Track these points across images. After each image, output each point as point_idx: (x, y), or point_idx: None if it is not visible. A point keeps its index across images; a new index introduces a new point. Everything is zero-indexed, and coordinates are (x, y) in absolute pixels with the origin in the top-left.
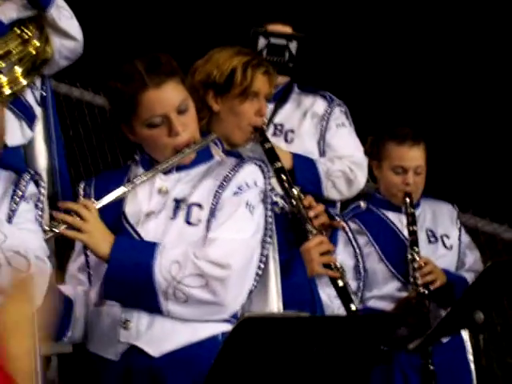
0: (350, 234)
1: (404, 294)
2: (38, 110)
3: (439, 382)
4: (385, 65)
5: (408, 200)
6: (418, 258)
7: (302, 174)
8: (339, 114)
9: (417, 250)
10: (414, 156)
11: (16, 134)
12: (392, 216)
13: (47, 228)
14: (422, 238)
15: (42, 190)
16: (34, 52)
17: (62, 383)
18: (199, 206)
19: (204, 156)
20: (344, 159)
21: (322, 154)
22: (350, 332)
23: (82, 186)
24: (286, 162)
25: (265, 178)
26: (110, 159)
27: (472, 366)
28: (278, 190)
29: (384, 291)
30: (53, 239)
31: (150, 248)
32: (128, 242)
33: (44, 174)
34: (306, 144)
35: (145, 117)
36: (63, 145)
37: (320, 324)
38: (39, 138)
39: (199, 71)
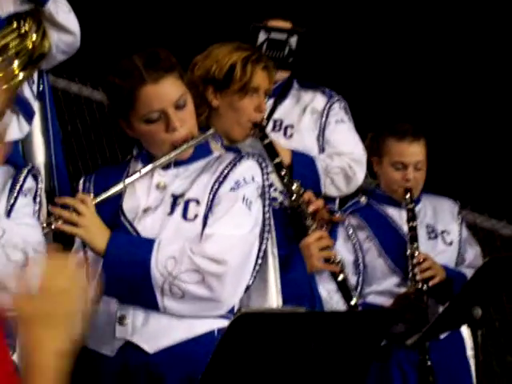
0: (349, 229)
1: (403, 290)
2: (35, 105)
3: (438, 378)
4: (385, 60)
5: (408, 196)
6: (417, 254)
7: (301, 171)
8: (338, 110)
9: (416, 245)
10: (413, 152)
11: (13, 128)
12: (392, 212)
13: (44, 223)
14: (421, 233)
15: (40, 185)
16: (31, 46)
17: None
18: (196, 201)
19: (202, 151)
20: (343, 156)
21: (322, 149)
22: (347, 328)
23: (81, 180)
24: (285, 159)
25: (263, 173)
26: (109, 154)
27: (471, 362)
28: (278, 185)
29: (383, 286)
30: (51, 234)
31: (147, 243)
32: (124, 238)
33: (42, 169)
34: (305, 140)
35: (143, 112)
36: (61, 139)
37: (317, 319)
38: (37, 132)
39: (199, 67)
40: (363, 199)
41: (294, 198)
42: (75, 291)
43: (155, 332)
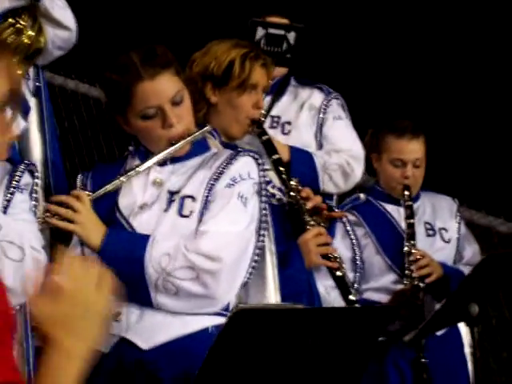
0: (347, 226)
1: (400, 287)
2: (31, 101)
3: (435, 375)
4: (384, 56)
5: (407, 193)
6: (414, 251)
7: (299, 168)
8: (336, 107)
9: (413, 243)
10: (413, 149)
11: None
12: (391, 208)
13: (40, 219)
14: (420, 230)
15: (37, 181)
16: (27, 42)
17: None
18: (192, 197)
19: (200, 148)
20: (341, 152)
21: (319, 146)
22: (345, 324)
23: (79, 178)
24: (283, 155)
25: (259, 169)
26: (106, 151)
27: (469, 359)
28: (276, 182)
29: (380, 283)
30: (48, 231)
31: (142, 240)
32: (120, 234)
33: (38, 165)
34: (303, 136)
35: (139, 108)
36: (57, 136)
37: (315, 316)
38: (33, 128)
39: (197, 63)
40: (362, 196)
41: (292, 194)
42: (101, 298)
43: (150, 328)
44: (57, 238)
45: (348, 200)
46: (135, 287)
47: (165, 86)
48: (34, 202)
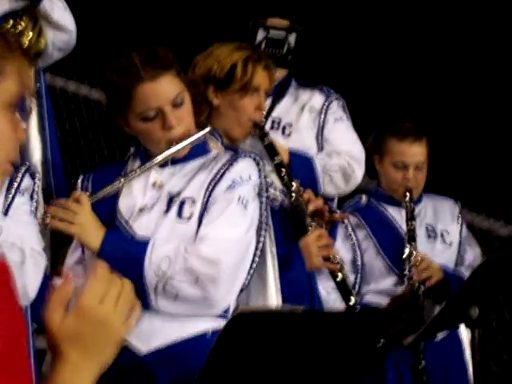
0: (349, 228)
1: (400, 290)
2: (32, 103)
3: (435, 378)
4: (385, 58)
5: (408, 195)
6: (414, 254)
7: (299, 171)
8: (337, 108)
9: (414, 245)
10: (415, 152)
11: None
12: (392, 211)
13: (40, 221)
14: (421, 233)
15: (38, 183)
16: (27, 44)
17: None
18: (192, 200)
19: (200, 150)
20: (342, 154)
21: (321, 148)
22: (344, 327)
23: (80, 179)
24: (283, 158)
25: (260, 171)
26: (106, 153)
27: (469, 363)
28: (278, 184)
29: (381, 286)
30: (49, 233)
31: (142, 243)
32: (119, 236)
33: (38, 167)
34: (303, 138)
35: (139, 110)
36: (57, 138)
37: (315, 319)
38: (34, 130)
39: (200, 66)
40: (364, 198)
41: (293, 197)
42: (118, 319)
43: (148, 332)
44: (57, 240)
45: (350, 202)
46: (134, 289)
47: (165, 88)
48: (34, 204)
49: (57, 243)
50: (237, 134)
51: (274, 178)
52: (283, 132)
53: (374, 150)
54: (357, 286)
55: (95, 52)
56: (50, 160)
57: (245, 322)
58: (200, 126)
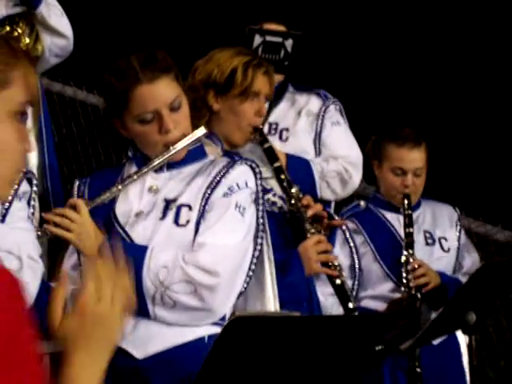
0: (346, 233)
1: (397, 295)
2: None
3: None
4: (386, 63)
5: (406, 202)
6: (411, 260)
7: (296, 175)
8: (334, 112)
9: (411, 252)
10: (413, 158)
11: None
12: (390, 217)
13: (37, 228)
14: (419, 239)
15: (35, 188)
16: (24, 49)
17: (54, 381)
18: (188, 206)
19: (196, 154)
20: (339, 159)
21: (318, 152)
22: (341, 332)
23: (76, 184)
24: (283, 164)
25: (256, 178)
26: (103, 158)
27: (466, 369)
28: (277, 190)
29: (378, 291)
30: (46, 240)
31: (139, 251)
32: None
33: (35, 172)
34: (301, 142)
35: (136, 112)
36: (54, 142)
37: (311, 324)
38: (30, 135)
39: (200, 71)
40: (362, 203)
41: (293, 202)
42: (115, 315)
43: (145, 338)
44: (54, 246)
45: (348, 207)
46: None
47: (163, 91)
48: (31, 210)
49: (54, 249)
50: (237, 138)
51: (273, 183)
52: (280, 137)
53: (373, 155)
54: (354, 292)
55: (93, 57)
56: (47, 165)
57: (242, 327)
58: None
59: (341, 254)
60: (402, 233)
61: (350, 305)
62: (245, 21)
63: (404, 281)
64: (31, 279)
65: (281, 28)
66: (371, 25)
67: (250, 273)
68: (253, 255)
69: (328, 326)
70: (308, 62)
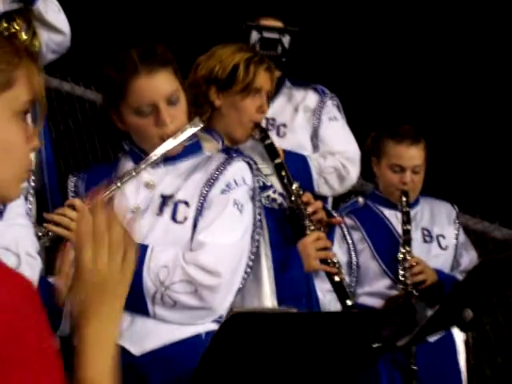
0: (344, 230)
1: (394, 293)
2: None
3: (427, 381)
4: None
5: (404, 199)
6: (409, 258)
7: (294, 171)
8: (331, 108)
9: (409, 249)
10: (412, 155)
11: None
12: (388, 213)
13: (38, 228)
14: (417, 236)
15: (32, 184)
16: (26, 47)
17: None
18: (185, 203)
19: (192, 149)
20: (336, 155)
21: (316, 148)
22: (338, 328)
23: (72, 180)
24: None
25: (253, 174)
26: (100, 153)
27: (462, 366)
28: (277, 186)
29: (375, 288)
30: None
31: (140, 250)
32: None
33: (32, 168)
34: (298, 138)
35: (134, 104)
36: (51, 138)
37: (308, 320)
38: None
39: (202, 67)
40: (361, 200)
41: (293, 198)
42: (114, 272)
43: (141, 334)
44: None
45: (347, 204)
46: (131, 297)
47: (161, 84)
48: (29, 205)
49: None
50: (238, 134)
51: (273, 179)
52: (278, 132)
53: (372, 151)
54: (351, 288)
55: (90, 53)
56: (44, 161)
57: (240, 323)
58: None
59: (338, 251)
60: (399, 230)
61: (348, 302)
62: (242, 17)
63: (401, 278)
64: (29, 276)
65: (278, 24)
66: (370, 19)
67: (248, 269)
68: (250, 251)
69: (325, 322)
70: (306, 58)
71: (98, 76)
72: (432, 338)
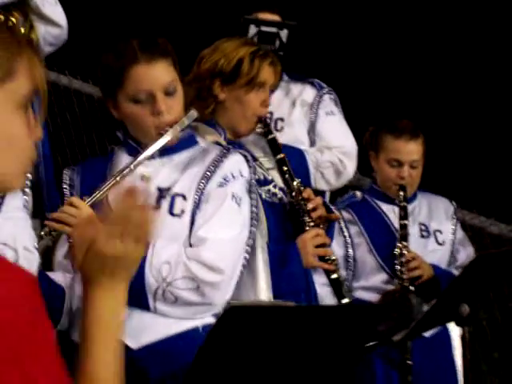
0: (341, 224)
1: (390, 287)
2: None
3: (423, 377)
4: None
5: (401, 193)
6: (405, 253)
7: (291, 163)
8: (328, 102)
9: (405, 244)
10: (410, 150)
11: None
12: (386, 208)
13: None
14: (414, 231)
15: (29, 177)
16: (27, 38)
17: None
18: (183, 196)
19: (187, 141)
20: (333, 149)
21: (313, 142)
22: (334, 322)
23: (67, 174)
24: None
25: (250, 167)
26: (98, 147)
27: (459, 361)
28: (278, 181)
29: (371, 282)
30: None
31: None
32: None
33: None
34: (296, 132)
35: (131, 91)
36: (49, 132)
37: (305, 313)
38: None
39: (206, 60)
40: (359, 194)
41: (293, 194)
42: (128, 248)
43: (139, 328)
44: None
45: (344, 198)
46: (132, 292)
47: (159, 73)
48: (26, 198)
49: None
50: (242, 128)
51: (274, 173)
52: (275, 126)
53: (370, 146)
54: (348, 282)
55: (88, 46)
56: (41, 154)
57: (236, 316)
58: (204, 121)
59: (335, 244)
60: (397, 224)
61: (345, 300)
62: (240, 11)
63: (397, 273)
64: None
65: (276, 18)
66: (367, 13)
67: (244, 262)
68: (247, 244)
69: (321, 316)
70: (303, 52)
71: (97, 64)
72: (428, 334)
